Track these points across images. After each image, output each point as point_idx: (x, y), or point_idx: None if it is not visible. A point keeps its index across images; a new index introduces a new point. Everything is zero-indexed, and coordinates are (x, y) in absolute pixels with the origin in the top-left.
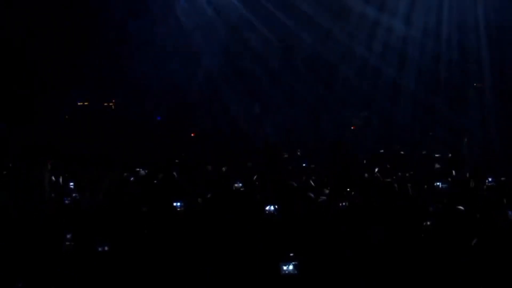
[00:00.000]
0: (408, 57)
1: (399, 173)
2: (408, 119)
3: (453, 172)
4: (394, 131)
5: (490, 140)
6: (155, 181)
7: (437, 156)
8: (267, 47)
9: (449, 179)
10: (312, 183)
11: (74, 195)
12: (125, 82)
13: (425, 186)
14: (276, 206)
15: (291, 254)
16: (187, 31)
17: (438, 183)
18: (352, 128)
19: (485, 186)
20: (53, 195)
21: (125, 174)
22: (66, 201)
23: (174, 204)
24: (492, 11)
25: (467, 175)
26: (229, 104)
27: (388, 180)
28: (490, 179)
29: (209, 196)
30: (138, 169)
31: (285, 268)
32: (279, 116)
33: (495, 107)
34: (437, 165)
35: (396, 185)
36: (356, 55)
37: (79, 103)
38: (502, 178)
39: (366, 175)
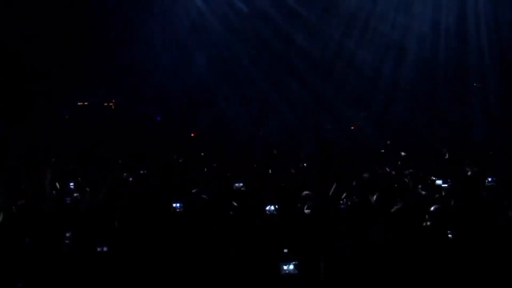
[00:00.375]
0: (408, 56)
1: (400, 173)
2: (409, 119)
3: (454, 171)
4: (394, 131)
5: (491, 139)
6: (154, 182)
7: (437, 156)
8: (267, 47)
9: (450, 178)
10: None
11: (75, 195)
12: (125, 82)
13: (425, 186)
14: (276, 206)
15: (286, 250)
16: (187, 31)
17: (439, 182)
18: (352, 128)
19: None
20: (54, 192)
21: (125, 174)
22: (67, 201)
23: (174, 204)
24: (492, 8)
25: (468, 174)
26: (229, 104)
27: (388, 179)
28: (490, 179)
29: (209, 196)
30: (138, 169)
31: (285, 268)
32: (279, 116)
33: (496, 107)
34: (437, 164)
35: (396, 184)
36: (357, 54)
37: (79, 103)
38: (503, 178)
39: (365, 174)
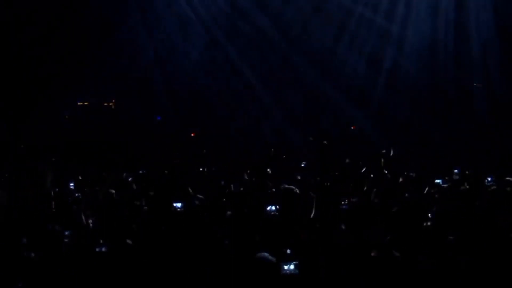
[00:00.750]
0: (407, 54)
1: (399, 173)
2: (408, 119)
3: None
4: (394, 131)
5: (491, 139)
6: (155, 181)
7: (438, 155)
8: (267, 45)
9: (449, 178)
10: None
11: (77, 194)
12: (126, 82)
13: (426, 186)
14: (277, 206)
15: (288, 251)
16: (186, 30)
17: (438, 181)
18: (352, 128)
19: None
20: (56, 190)
21: (125, 174)
22: (69, 201)
23: (174, 204)
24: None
25: (467, 173)
26: (229, 103)
27: (389, 180)
28: (489, 179)
29: (209, 196)
30: (138, 169)
31: (286, 267)
32: (279, 115)
33: (495, 107)
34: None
35: (396, 185)
36: (360, 52)
37: (79, 103)
38: (507, 178)
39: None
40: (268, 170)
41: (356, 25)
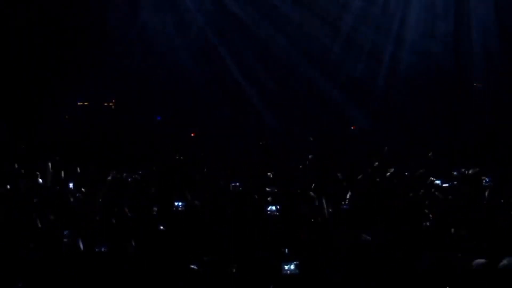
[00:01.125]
0: (406, 53)
1: (399, 173)
2: (408, 118)
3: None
4: (394, 130)
5: (491, 139)
6: (155, 181)
7: (438, 155)
8: (268, 43)
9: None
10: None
11: (77, 195)
12: (126, 82)
13: (426, 186)
14: (278, 207)
15: (287, 251)
16: (186, 30)
17: (438, 182)
18: (352, 128)
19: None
20: (56, 189)
21: (125, 174)
22: (70, 200)
23: (176, 203)
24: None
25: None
26: (228, 103)
27: (388, 180)
28: (487, 179)
29: (209, 196)
30: (138, 169)
31: (286, 267)
32: (279, 115)
33: (495, 107)
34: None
35: (396, 185)
36: (363, 51)
37: (79, 103)
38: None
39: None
40: (268, 170)
41: (354, 22)
